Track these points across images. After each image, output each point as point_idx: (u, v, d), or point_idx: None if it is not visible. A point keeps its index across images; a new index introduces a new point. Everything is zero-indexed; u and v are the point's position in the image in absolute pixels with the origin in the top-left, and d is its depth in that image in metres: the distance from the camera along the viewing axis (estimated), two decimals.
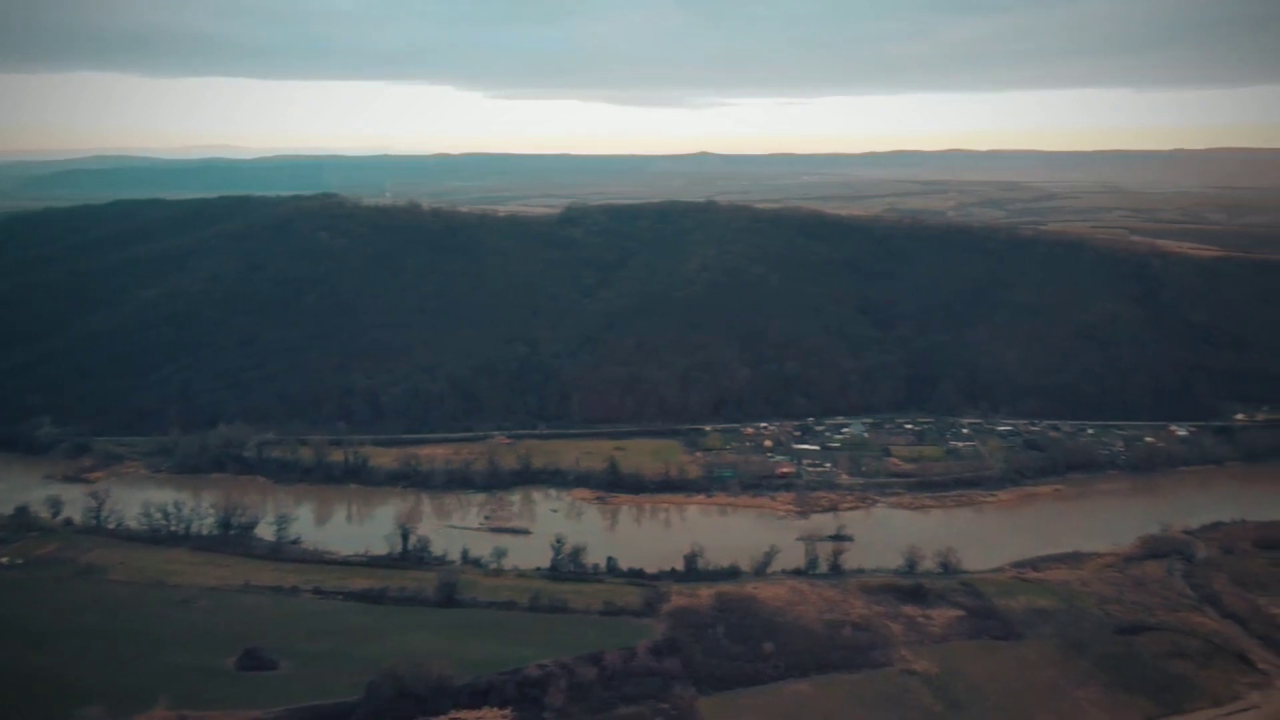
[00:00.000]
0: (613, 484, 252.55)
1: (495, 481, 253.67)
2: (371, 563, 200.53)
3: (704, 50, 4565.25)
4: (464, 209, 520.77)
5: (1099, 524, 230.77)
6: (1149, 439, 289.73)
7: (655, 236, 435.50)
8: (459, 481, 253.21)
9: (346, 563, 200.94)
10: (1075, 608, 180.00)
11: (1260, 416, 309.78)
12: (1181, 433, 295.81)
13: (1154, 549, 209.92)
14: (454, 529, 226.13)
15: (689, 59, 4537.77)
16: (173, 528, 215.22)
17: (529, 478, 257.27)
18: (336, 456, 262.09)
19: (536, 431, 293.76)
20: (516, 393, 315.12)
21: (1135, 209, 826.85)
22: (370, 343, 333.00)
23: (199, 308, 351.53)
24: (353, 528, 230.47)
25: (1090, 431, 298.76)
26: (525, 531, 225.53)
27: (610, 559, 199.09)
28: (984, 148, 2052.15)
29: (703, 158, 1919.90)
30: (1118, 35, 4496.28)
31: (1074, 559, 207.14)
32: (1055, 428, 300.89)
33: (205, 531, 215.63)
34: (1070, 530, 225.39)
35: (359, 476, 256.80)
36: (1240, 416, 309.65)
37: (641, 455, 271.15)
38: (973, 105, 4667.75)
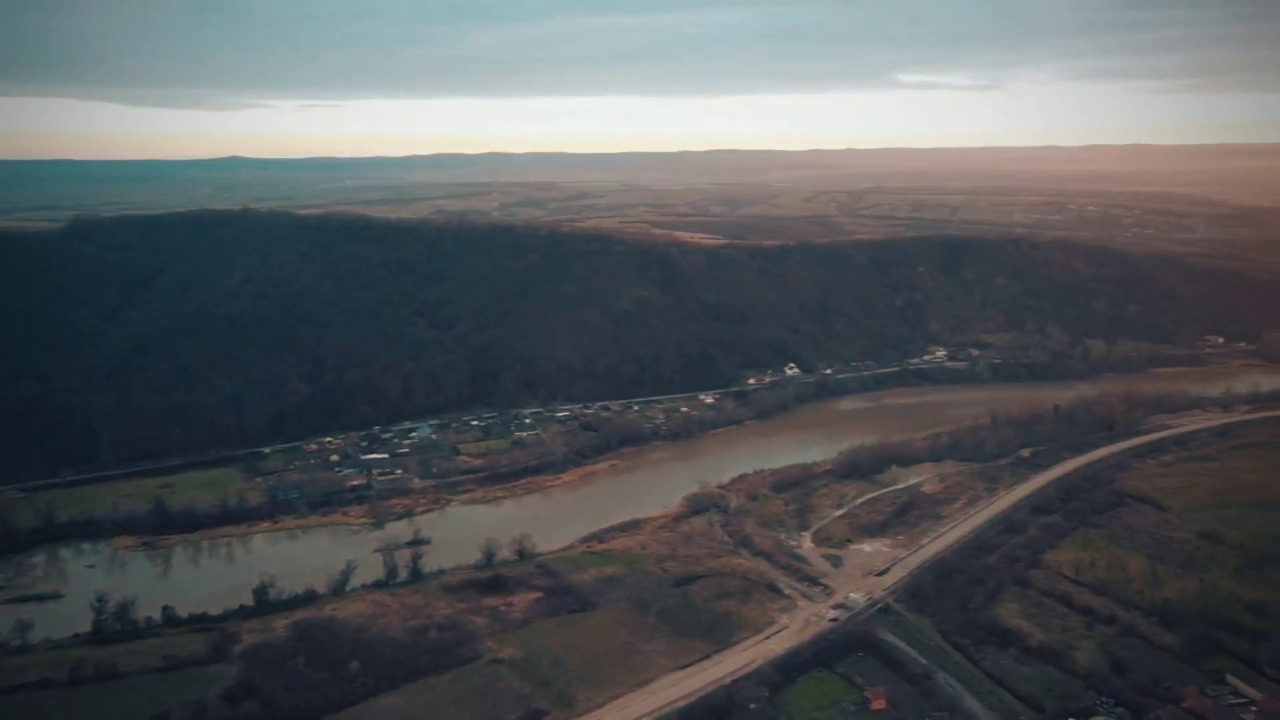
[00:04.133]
0: (161, 525, 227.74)
1: (8, 545, 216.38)
2: None
3: (224, 48, 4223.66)
4: None
5: (651, 491, 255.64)
6: (684, 409, 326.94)
7: (189, 249, 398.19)
8: None
9: None
10: (638, 570, 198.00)
11: (766, 379, 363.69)
12: (709, 400, 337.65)
13: (696, 505, 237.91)
14: None
15: (208, 57, 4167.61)
16: None
17: (54, 533, 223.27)
18: None
19: (60, 480, 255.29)
20: (30, 438, 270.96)
21: (654, 204, 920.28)
22: None
23: None
24: None
25: (636, 408, 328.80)
26: (55, 596, 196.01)
27: (166, 608, 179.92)
28: (520, 150, 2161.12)
29: (234, 162, 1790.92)
30: (624, 47, 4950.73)
31: (633, 526, 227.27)
32: (606, 408, 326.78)
33: None
34: (627, 500, 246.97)
35: None
36: (751, 381, 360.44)
37: (194, 488, 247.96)
38: (505, 110, 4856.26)
